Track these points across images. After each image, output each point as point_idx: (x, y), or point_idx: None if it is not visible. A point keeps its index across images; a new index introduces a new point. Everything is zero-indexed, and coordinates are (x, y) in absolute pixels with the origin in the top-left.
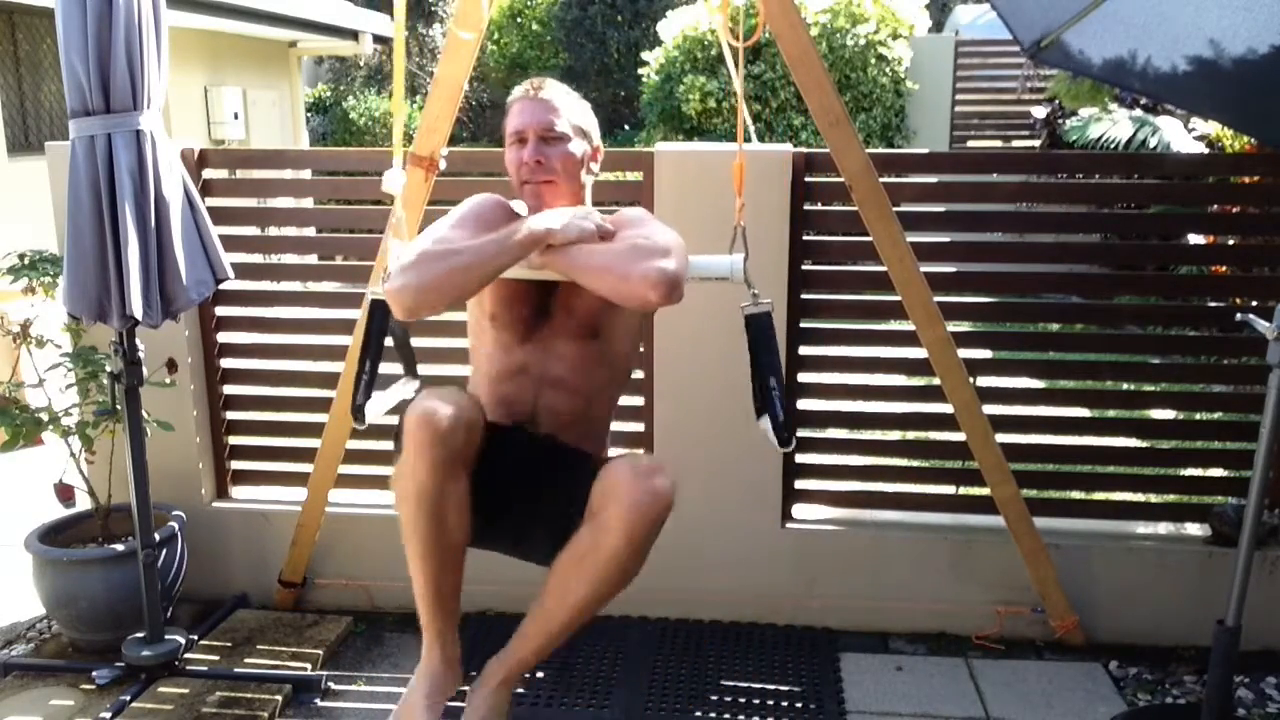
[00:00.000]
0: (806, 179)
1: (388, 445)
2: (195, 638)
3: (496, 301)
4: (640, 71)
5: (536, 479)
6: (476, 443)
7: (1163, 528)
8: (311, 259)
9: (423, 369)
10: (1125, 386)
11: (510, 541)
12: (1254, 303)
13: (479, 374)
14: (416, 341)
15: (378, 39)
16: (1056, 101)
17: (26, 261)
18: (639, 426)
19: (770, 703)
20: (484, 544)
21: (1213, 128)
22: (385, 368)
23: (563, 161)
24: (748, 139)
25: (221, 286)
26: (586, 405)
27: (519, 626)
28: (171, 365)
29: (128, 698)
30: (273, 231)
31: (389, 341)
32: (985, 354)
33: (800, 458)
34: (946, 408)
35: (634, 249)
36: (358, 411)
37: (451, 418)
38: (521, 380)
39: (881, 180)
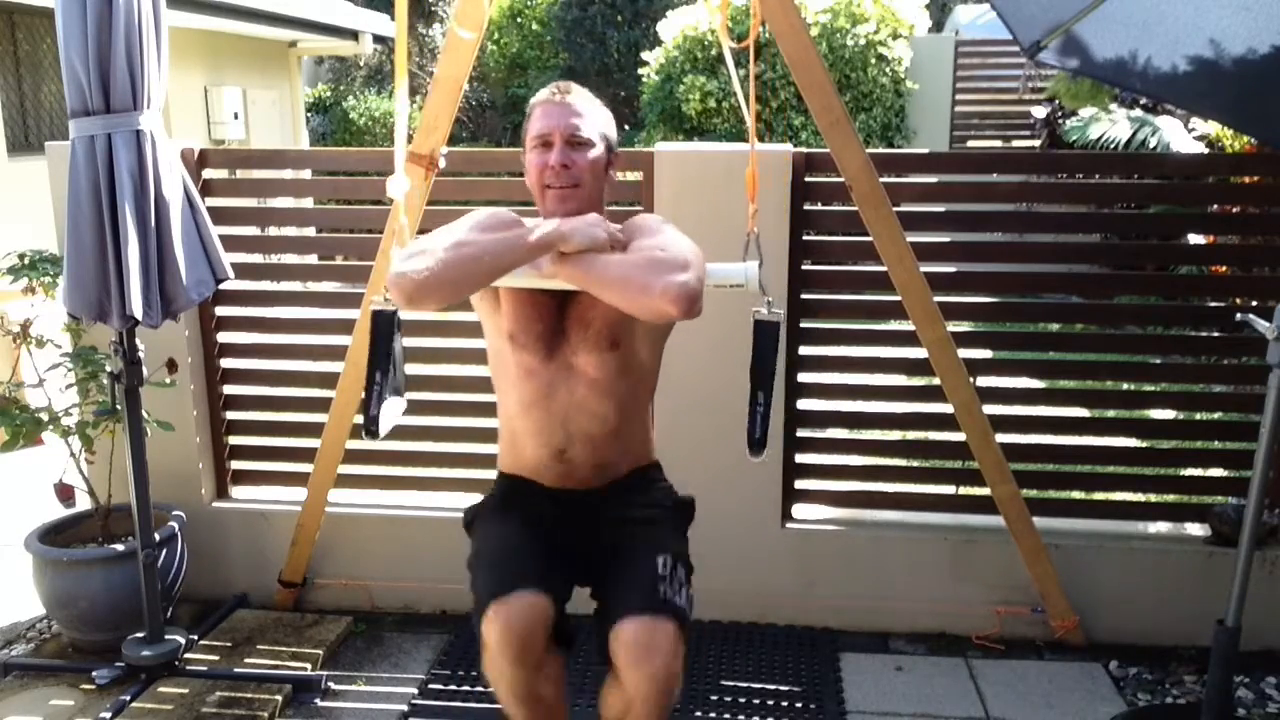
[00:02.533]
0: (806, 179)
1: (388, 445)
2: (195, 638)
3: (513, 320)
4: (640, 71)
5: (608, 544)
6: (550, 626)
7: (1163, 528)
8: (311, 259)
9: (422, 368)
10: (1125, 386)
11: (602, 592)
12: (1254, 303)
13: (507, 407)
14: (413, 341)
15: (378, 39)
16: (1056, 101)
17: (26, 261)
18: None
19: (770, 703)
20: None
21: (1213, 128)
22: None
23: (589, 169)
24: (746, 139)
25: (221, 286)
26: (617, 417)
27: None
28: (171, 365)
29: (128, 698)
30: (273, 231)
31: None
32: (985, 354)
33: (800, 458)
34: (946, 408)
35: (652, 261)
36: (372, 422)
37: (525, 623)
38: (550, 404)
39: (881, 180)
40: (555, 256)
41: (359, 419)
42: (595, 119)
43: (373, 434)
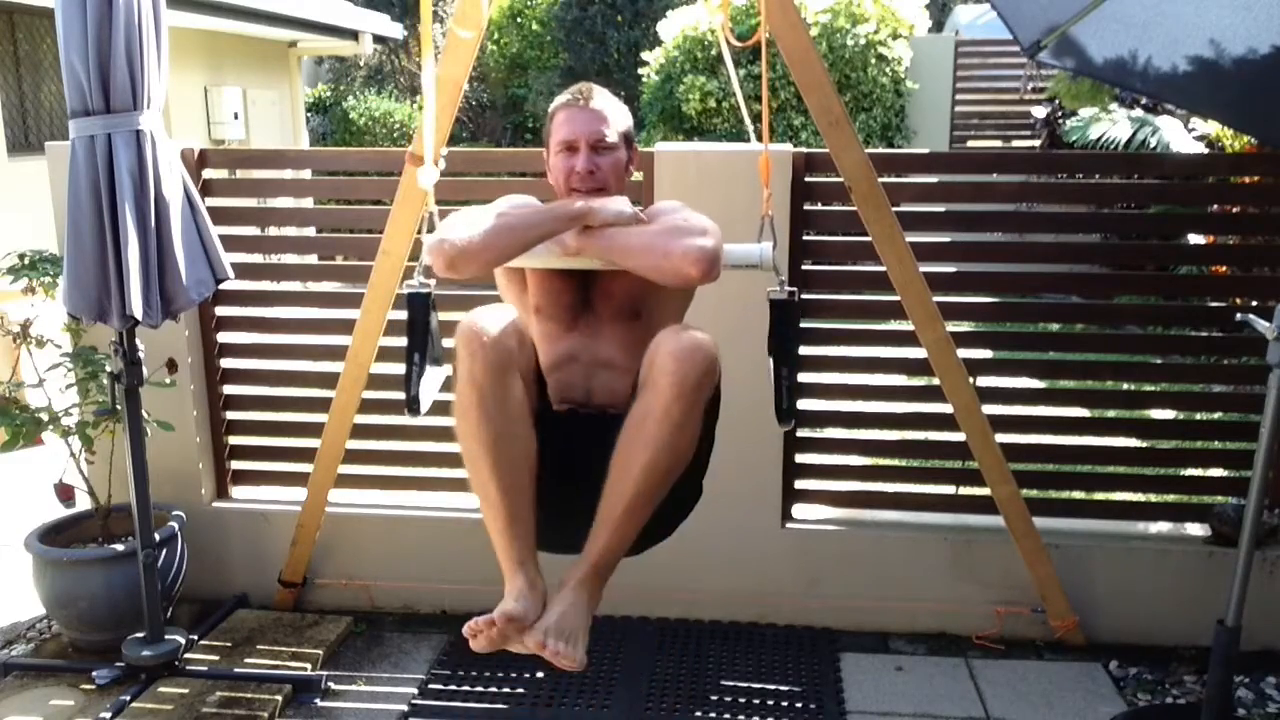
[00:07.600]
0: (806, 179)
1: (387, 445)
2: (195, 638)
3: (539, 293)
4: (640, 71)
5: (602, 457)
6: (530, 355)
7: (1163, 528)
8: (311, 259)
9: None
10: (1125, 386)
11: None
12: (1254, 303)
13: None
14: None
15: (378, 39)
16: (1056, 101)
17: (26, 261)
18: None
19: (770, 703)
20: (566, 544)
21: (1213, 128)
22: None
23: (613, 170)
24: (746, 139)
25: (221, 286)
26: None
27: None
28: (171, 365)
29: (128, 698)
30: (273, 231)
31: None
32: (985, 354)
33: (800, 458)
34: (946, 408)
35: (672, 228)
36: (413, 403)
37: (499, 321)
38: (572, 367)
39: (881, 180)
40: (579, 232)
41: (358, 419)
42: (617, 121)
43: (414, 412)
